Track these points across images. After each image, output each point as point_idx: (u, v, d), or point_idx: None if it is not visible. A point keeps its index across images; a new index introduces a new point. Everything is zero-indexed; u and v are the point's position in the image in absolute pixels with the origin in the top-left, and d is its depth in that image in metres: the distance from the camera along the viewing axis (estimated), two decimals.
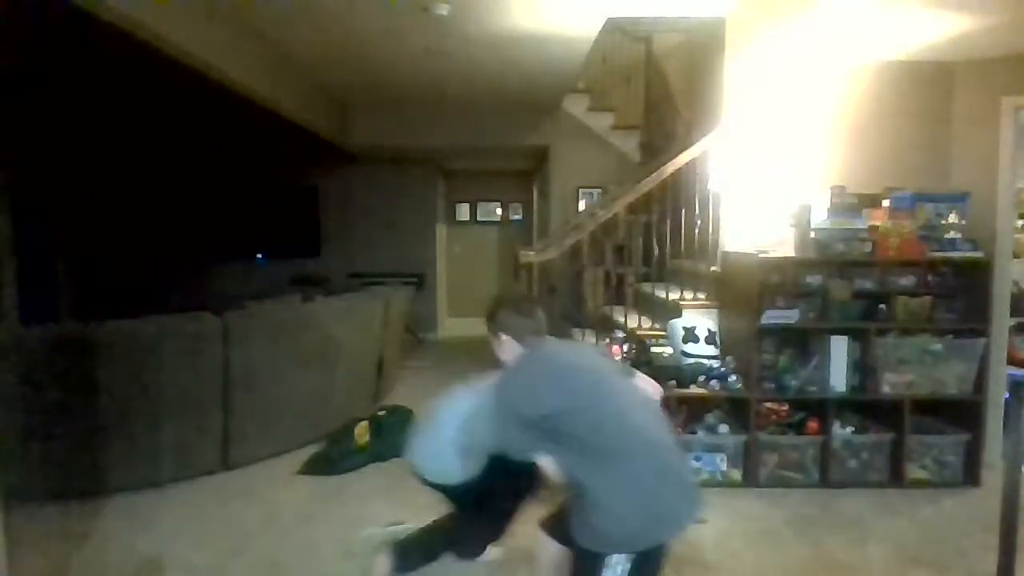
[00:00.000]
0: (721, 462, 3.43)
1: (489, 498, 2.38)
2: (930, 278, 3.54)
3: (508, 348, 1.95)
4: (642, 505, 1.70)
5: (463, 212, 9.19)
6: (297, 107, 5.20)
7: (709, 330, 3.75)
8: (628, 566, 1.69)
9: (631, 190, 4.14)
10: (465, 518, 2.47)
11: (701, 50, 4.65)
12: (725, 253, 3.84)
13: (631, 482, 1.70)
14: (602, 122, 6.41)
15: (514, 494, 2.43)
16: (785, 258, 3.46)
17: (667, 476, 1.74)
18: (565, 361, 1.90)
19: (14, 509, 2.07)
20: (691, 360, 3.60)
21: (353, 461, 3.67)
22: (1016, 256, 3.94)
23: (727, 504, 3.21)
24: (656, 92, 5.76)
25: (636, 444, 1.74)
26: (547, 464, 1.81)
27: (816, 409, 3.49)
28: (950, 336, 3.40)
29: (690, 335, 3.72)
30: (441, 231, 8.55)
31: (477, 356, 6.02)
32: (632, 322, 4.15)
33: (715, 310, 3.87)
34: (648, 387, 2.03)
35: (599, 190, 6.38)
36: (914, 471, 3.45)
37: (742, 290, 3.51)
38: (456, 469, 2.28)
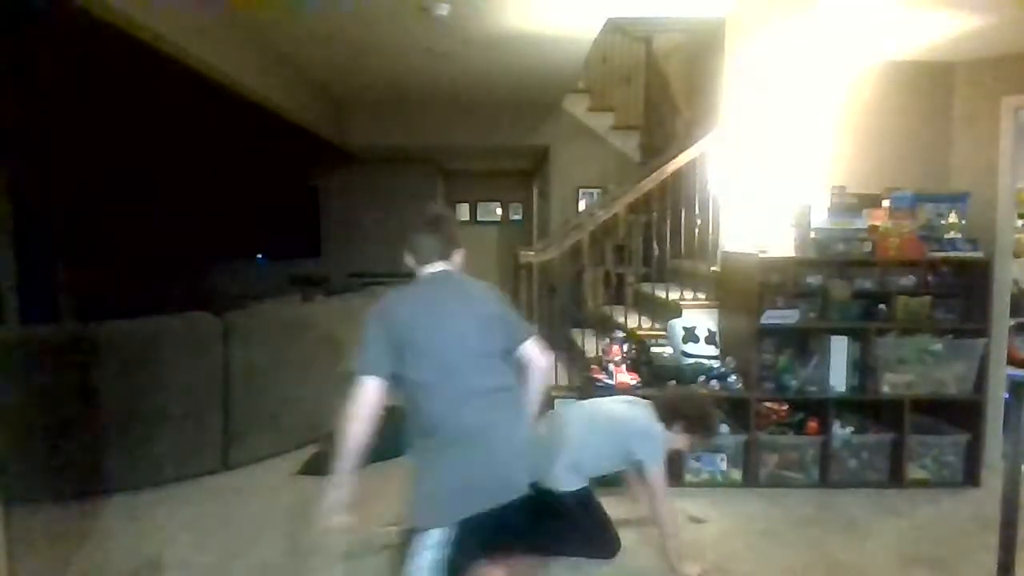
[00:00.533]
0: (721, 462, 3.43)
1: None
2: (930, 278, 3.53)
3: (412, 270, 1.93)
4: (447, 473, 1.73)
5: (463, 212, 9.19)
6: (297, 107, 5.19)
7: (709, 330, 3.75)
8: (444, 540, 1.72)
9: (631, 190, 4.14)
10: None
11: (701, 50, 4.65)
12: (725, 253, 3.84)
13: (437, 447, 1.74)
14: (602, 122, 6.41)
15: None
16: (785, 258, 3.46)
17: (477, 446, 1.74)
18: (416, 308, 1.82)
19: (14, 509, 2.07)
20: (691, 360, 3.60)
21: None
22: (1016, 256, 3.94)
23: (727, 504, 3.21)
24: (656, 92, 5.75)
25: (447, 412, 1.75)
26: (368, 387, 1.75)
27: (816, 409, 3.49)
28: (950, 336, 3.40)
29: (690, 335, 3.72)
30: None
31: None
32: (632, 322, 4.15)
33: (715, 310, 3.87)
34: (535, 359, 1.89)
35: (599, 190, 6.38)
36: (914, 471, 3.45)
37: (742, 290, 3.51)
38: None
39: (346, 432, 1.75)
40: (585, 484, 2.72)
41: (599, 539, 2.70)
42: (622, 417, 2.75)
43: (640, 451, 2.61)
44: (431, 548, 1.73)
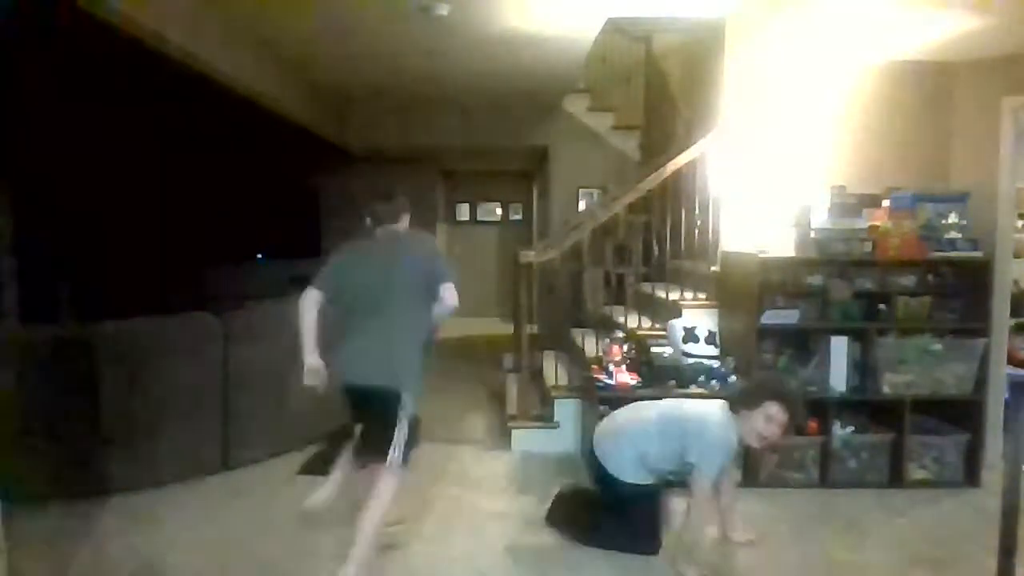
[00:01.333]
0: None
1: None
2: (930, 278, 3.53)
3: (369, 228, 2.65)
4: (343, 346, 2.52)
5: (463, 212, 9.19)
6: (297, 107, 5.20)
7: (709, 330, 3.75)
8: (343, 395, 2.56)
9: (631, 190, 4.14)
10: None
11: (701, 50, 4.65)
12: (725, 253, 3.84)
13: (343, 332, 2.51)
14: (602, 122, 6.41)
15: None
16: (785, 258, 3.46)
17: (363, 339, 2.49)
18: (360, 251, 2.61)
19: (14, 509, 2.07)
20: (691, 360, 3.60)
21: None
22: (1016, 256, 3.94)
23: None
24: (656, 92, 5.76)
25: (358, 312, 2.50)
26: (310, 293, 2.51)
27: (816, 409, 3.48)
28: (950, 336, 3.39)
29: (690, 335, 3.72)
30: (441, 231, 8.55)
31: (477, 355, 6.02)
32: (632, 322, 4.15)
33: (715, 310, 3.87)
34: (446, 297, 2.45)
35: (599, 190, 6.38)
36: (914, 471, 3.45)
37: (742, 290, 3.51)
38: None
39: (301, 320, 2.51)
40: (652, 480, 2.73)
41: (640, 536, 2.69)
42: (689, 416, 2.70)
43: (692, 452, 2.58)
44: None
